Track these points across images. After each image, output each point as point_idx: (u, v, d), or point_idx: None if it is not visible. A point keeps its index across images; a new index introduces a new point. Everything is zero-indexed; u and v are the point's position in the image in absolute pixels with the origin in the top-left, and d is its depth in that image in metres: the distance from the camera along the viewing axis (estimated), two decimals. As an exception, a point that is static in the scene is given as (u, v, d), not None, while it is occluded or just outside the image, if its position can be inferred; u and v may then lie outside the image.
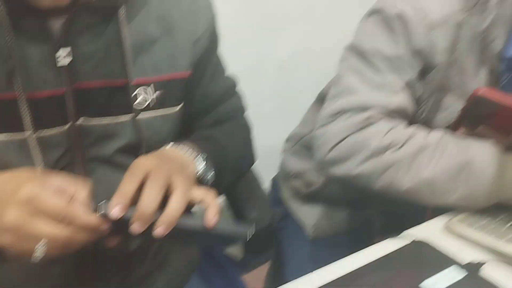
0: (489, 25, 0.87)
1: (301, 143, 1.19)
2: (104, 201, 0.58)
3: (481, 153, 0.82)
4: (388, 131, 0.85)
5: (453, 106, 0.94)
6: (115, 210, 0.57)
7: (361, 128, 0.86)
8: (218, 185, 0.76)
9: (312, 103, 1.23)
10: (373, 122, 0.86)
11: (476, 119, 0.85)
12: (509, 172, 0.80)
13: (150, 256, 0.82)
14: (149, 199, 0.58)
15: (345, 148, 0.86)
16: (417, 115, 0.95)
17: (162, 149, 0.74)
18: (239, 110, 0.95)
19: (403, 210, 0.92)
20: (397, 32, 0.88)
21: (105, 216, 0.58)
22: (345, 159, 0.86)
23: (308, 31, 1.64)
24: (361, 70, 0.90)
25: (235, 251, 1.00)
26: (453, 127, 0.90)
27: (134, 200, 0.59)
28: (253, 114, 1.58)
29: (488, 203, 0.81)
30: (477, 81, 0.92)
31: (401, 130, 0.86)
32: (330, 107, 0.91)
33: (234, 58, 1.47)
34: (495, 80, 0.93)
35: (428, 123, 0.96)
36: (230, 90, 0.93)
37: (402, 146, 0.84)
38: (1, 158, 0.68)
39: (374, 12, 0.93)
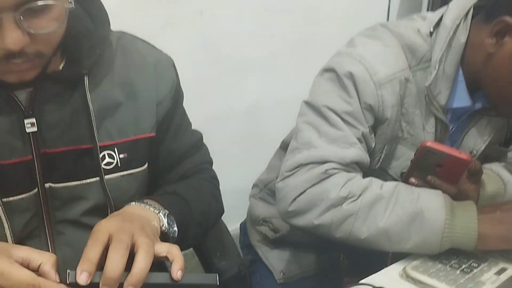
0: (433, 80, 0.94)
1: (267, 189, 1.23)
2: (72, 269, 0.60)
3: (431, 202, 0.86)
4: (345, 183, 0.89)
5: (405, 155, 1.00)
6: (82, 277, 0.59)
7: (320, 181, 0.90)
8: (183, 239, 0.79)
9: (276, 150, 1.27)
10: (331, 174, 0.91)
11: (425, 169, 0.91)
12: (459, 219, 0.85)
13: None
14: (114, 263, 0.60)
15: (306, 200, 0.90)
16: (373, 165, 1.00)
17: (124, 208, 0.76)
18: (205, 163, 0.98)
19: (368, 252, 0.96)
20: (349, 90, 0.94)
21: (74, 284, 0.60)
22: (306, 211, 0.90)
23: (272, 79, 1.70)
24: (317, 125, 0.96)
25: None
26: (406, 176, 0.95)
27: (101, 264, 0.61)
28: (220, 159, 1.62)
29: (441, 249, 0.85)
30: (427, 131, 0.99)
31: (357, 181, 0.90)
32: (290, 160, 0.95)
33: (201, 105, 1.52)
34: (444, 130, 1.00)
35: (383, 172, 1.02)
36: (195, 144, 0.96)
37: (358, 197, 0.88)
38: None
39: (327, 70, 0.99)
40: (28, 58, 0.65)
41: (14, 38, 0.61)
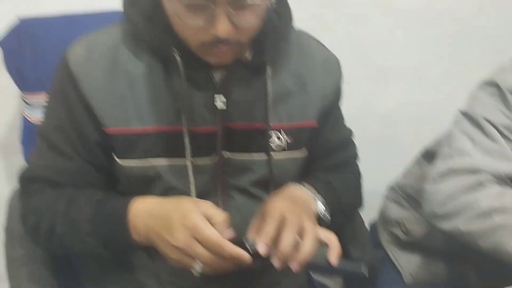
0: None
1: (404, 193, 1.26)
2: (247, 236, 0.73)
3: None
4: (499, 196, 0.89)
5: None
6: (262, 247, 0.71)
7: (472, 190, 0.91)
8: (331, 225, 0.87)
9: (416, 156, 1.29)
10: (484, 185, 0.91)
11: None
12: None
13: (267, 276, 0.94)
14: (287, 242, 0.72)
15: (455, 206, 0.92)
16: None
17: (288, 188, 0.87)
18: (353, 157, 1.06)
19: (501, 268, 0.94)
20: (510, 105, 0.94)
21: (250, 249, 0.71)
22: (454, 216, 0.92)
23: (415, 86, 1.71)
24: (473, 135, 0.96)
25: (336, 285, 1.09)
26: None
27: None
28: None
29: None
30: None
31: (511, 196, 0.90)
32: (442, 165, 0.97)
33: (343, 106, 1.58)
34: None
35: None
36: (347, 139, 1.04)
37: (510, 212, 0.87)
38: (163, 179, 0.83)
39: (490, 84, 0.99)
40: (230, 45, 0.76)
41: (224, 28, 0.72)
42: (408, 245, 1.19)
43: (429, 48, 1.67)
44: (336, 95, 0.97)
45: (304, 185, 0.89)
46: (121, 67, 0.82)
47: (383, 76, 1.65)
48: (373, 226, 1.34)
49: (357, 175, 1.05)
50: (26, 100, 1.07)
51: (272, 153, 0.88)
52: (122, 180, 0.86)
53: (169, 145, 0.83)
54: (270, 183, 0.89)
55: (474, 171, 0.93)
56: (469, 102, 1.02)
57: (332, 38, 1.53)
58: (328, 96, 0.94)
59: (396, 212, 1.24)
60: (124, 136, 0.82)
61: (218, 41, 0.75)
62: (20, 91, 1.08)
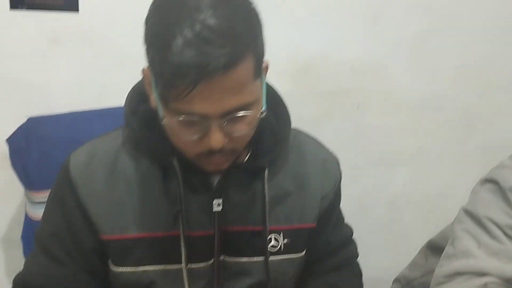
0: None
1: (410, 286, 1.23)
2: None
3: None
4: None
5: None
6: None
7: None
8: None
9: (421, 248, 1.27)
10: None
11: None
12: None
13: None
14: None
15: None
16: None
17: None
18: (354, 257, 1.04)
19: None
20: None
21: None
22: None
23: (420, 172, 1.72)
24: (477, 235, 0.94)
25: None
26: None
27: None
28: (362, 246, 1.65)
29: None
30: None
31: None
32: (446, 267, 0.94)
33: (348, 191, 1.58)
34: None
35: None
36: (348, 238, 1.03)
37: None
38: (157, 286, 0.83)
39: (490, 182, 0.99)
40: (225, 153, 0.78)
41: (217, 140, 0.73)
42: None
43: (432, 134, 1.70)
44: (336, 195, 0.98)
45: None
46: (121, 172, 0.84)
47: (388, 161, 1.67)
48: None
49: (359, 276, 1.04)
50: (29, 198, 1.09)
51: (270, 256, 0.87)
52: (115, 286, 0.86)
53: (165, 251, 0.83)
54: (267, 286, 0.88)
55: (480, 273, 0.90)
56: (471, 200, 1.01)
57: (337, 126, 1.59)
58: (327, 197, 0.94)
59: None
60: (120, 242, 0.82)
61: (213, 152, 0.76)
62: (24, 188, 1.09)
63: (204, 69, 0.65)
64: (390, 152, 1.67)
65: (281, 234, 0.88)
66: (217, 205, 0.84)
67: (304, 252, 0.93)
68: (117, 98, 1.20)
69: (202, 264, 0.85)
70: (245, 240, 0.86)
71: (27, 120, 1.11)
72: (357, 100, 1.58)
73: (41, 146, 1.08)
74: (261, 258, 0.87)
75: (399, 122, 1.64)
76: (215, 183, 0.85)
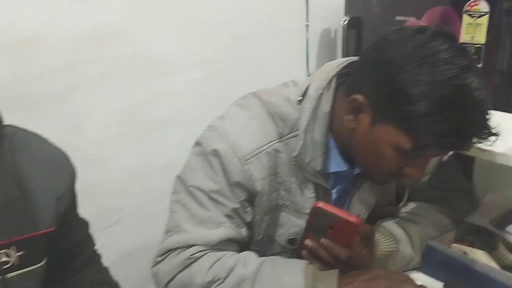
0: (301, 149, 0.96)
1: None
2: None
3: (292, 280, 0.89)
4: (211, 266, 0.92)
5: (289, 222, 1.03)
6: None
7: (186, 266, 0.93)
8: None
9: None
10: (197, 258, 0.93)
11: (318, 230, 0.94)
12: None
13: None
14: None
15: (175, 286, 0.93)
16: (255, 235, 1.03)
17: None
18: (94, 246, 1.02)
19: None
20: (215, 168, 0.96)
21: None
22: None
23: (189, 133, 1.73)
24: (187, 204, 0.98)
25: None
26: (302, 238, 0.98)
27: None
28: (141, 215, 1.64)
29: None
30: (306, 197, 1.01)
31: (223, 263, 0.93)
32: (162, 245, 0.97)
33: (119, 162, 1.53)
34: (325, 194, 1.03)
35: (270, 239, 1.05)
36: (88, 231, 1.00)
37: (224, 279, 0.91)
38: None
39: (197, 145, 1.02)
40: None
41: None
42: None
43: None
44: (74, 194, 0.92)
45: None
46: None
47: (156, 128, 1.65)
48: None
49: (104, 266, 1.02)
50: None
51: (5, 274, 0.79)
52: None
53: None
54: None
55: (188, 246, 0.94)
56: (185, 165, 1.03)
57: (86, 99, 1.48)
58: (64, 196, 0.88)
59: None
60: None
61: None
62: None
63: None
64: (157, 118, 1.64)
65: (13, 248, 0.80)
66: None
67: (45, 261, 0.86)
68: None
69: None
70: None
71: None
72: (106, 69, 1.50)
73: None
74: None
75: (155, 86, 1.61)
76: None
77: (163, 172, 1.70)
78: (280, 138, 0.98)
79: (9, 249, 0.79)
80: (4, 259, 0.79)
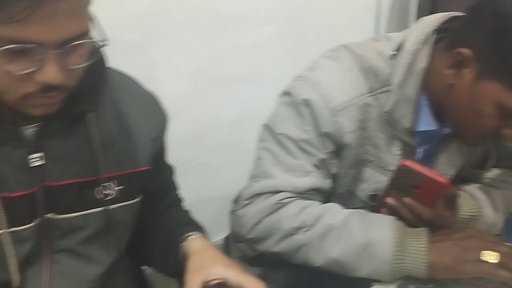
0: (394, 105, 0.94)
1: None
2: None
3: (381, 233, 0.89)
4: (299, 213, 0.93)
5: (373, 178, 1.01)
6: None
7: (274, 211, 0.94)
8: None
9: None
10: (285, 204, 0.94)
11: (403, 189, 0.91)
12: (408, 249, 0.87)
13: None
14: None
15: (262, 230, 0.95)
16: (340, 188, 1.02)
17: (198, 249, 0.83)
18: (179, 194, 1.04)
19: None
20: (305, 117, 0.95)
21: None
22: (263, 239, 0.96)
23: (259, 89, 1.73)
24: (275, 152, 0.98)
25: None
26: (383, 195, 0.96)
27: None
28: (208, 167, 1.66)
29: (393, 278, 0.88)
30: (392, 154, 0.99)
31: (311, 210, 0.94)
32: (248, 189, 0.99)
33: (190, 115, 1.55)
34: (411, 152, 1.00)
35: (351, 194, 1.04)
36: (173, 177, 1.02)
37: (311, 227, 0.92)
38: None
39: (286, 94, 1.00)
40: (60, 92, 0.68)
41: (55, 73, 0.63)
42: (256, 260, 1.16)
43: (267, 49, 1.70)
44: (165, 134, 0.93)
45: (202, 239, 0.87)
46: None
47: (225, 83, 1.65)
48: (227, 241, 1.34)
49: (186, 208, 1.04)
50: None
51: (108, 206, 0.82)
52: None
53: None
54: (107, 236, 0.83)
55: (275, 191, 0.95)
56: (272, 114, 1.03)
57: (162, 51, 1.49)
58: (158, 138, 0.90)
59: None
60: None
61: (47, 89, 0.65)
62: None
63: None
64: (226, 71, 1.64)
65: (114, 182, 0.83)
66: (37, 159, 0.74)
67: (140, 197, 0.89)
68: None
69: (26, 226, 0.76)
70: (74, 194, 0.79)
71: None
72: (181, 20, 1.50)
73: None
74: (94, 210, 0.81)
75: (228, 39, 1.61)
76: (30, 134, 0.74)
77: (231, 126, 1.73)
78: (371, 93, 0.96)
79: (110, 183, 0.82)
80: (106, 191, 0.82)
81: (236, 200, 1.30)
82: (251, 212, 0.96)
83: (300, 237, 0.92)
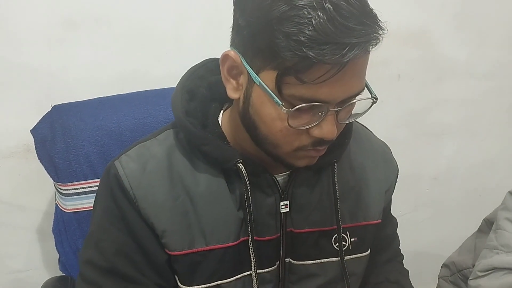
0: None
1: (461, 274, 1.16)
2: None
3: None
4: None
5: None
6: None
7: None
8: None
9: (474, 232, 1.19)
10: None
11: None
12: None
13: None
14: None
15: None
16: None
17: None
18: (399, 246, 0.99)
19: None
20: None
21: None
22: None
23: (467, 143, 1.62)
24: None
25: None
26: None
27: None
28: (407, 220, 1.58)
29: None
30: None
31: None
32: (485, 259, 0.91)
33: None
34: None
35: None
36: (396, 227, 0.97)
37: None
38: None
39: None
40: (327, 145, 0.69)
41: (332, 129, 0.64)
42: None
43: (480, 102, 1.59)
44: (394, 187, 0.91)
45: None
46: (178, 178, 0.74)
47: (433, 134, 1.58)
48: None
49: (403, 264, 0.99)
50: (58, 189, 1.02)
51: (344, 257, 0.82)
52: None
53: (235, 261, 0.76)
54: (342, 286, 0.83)
55: None
56: None
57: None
58: (389, 190, 0.88)
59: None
60: (188, 258, 0.74)
61: (319, 143, 0.66)
62: (53, 180, 1.03)
63: (363, 46, 0.56)
64: (434, 124, 1.56)
65: (348, 233, 0.82)
66: (284, 206, 0.77)
67: (369, 250, 0.86)
68: (138, 81, 1.12)
69: (269, 269, 0.79)
70: (313, 242, 0.80)
71: (52, 108, 1.02)
72: (398, 70, 1.47)
73: (67, 136, 0.97)
74: (329, 260, 0.81)
75: (443, 91, 1.53)
76: (281, 182, 0.77)
77: (432, 181, 1.63)
78: None
79: (345, 234, 0.81)
80: (342, 242, 0.81)
81: (447, 266, 1.21)
82: (485, 285, 0.89)
83: None
